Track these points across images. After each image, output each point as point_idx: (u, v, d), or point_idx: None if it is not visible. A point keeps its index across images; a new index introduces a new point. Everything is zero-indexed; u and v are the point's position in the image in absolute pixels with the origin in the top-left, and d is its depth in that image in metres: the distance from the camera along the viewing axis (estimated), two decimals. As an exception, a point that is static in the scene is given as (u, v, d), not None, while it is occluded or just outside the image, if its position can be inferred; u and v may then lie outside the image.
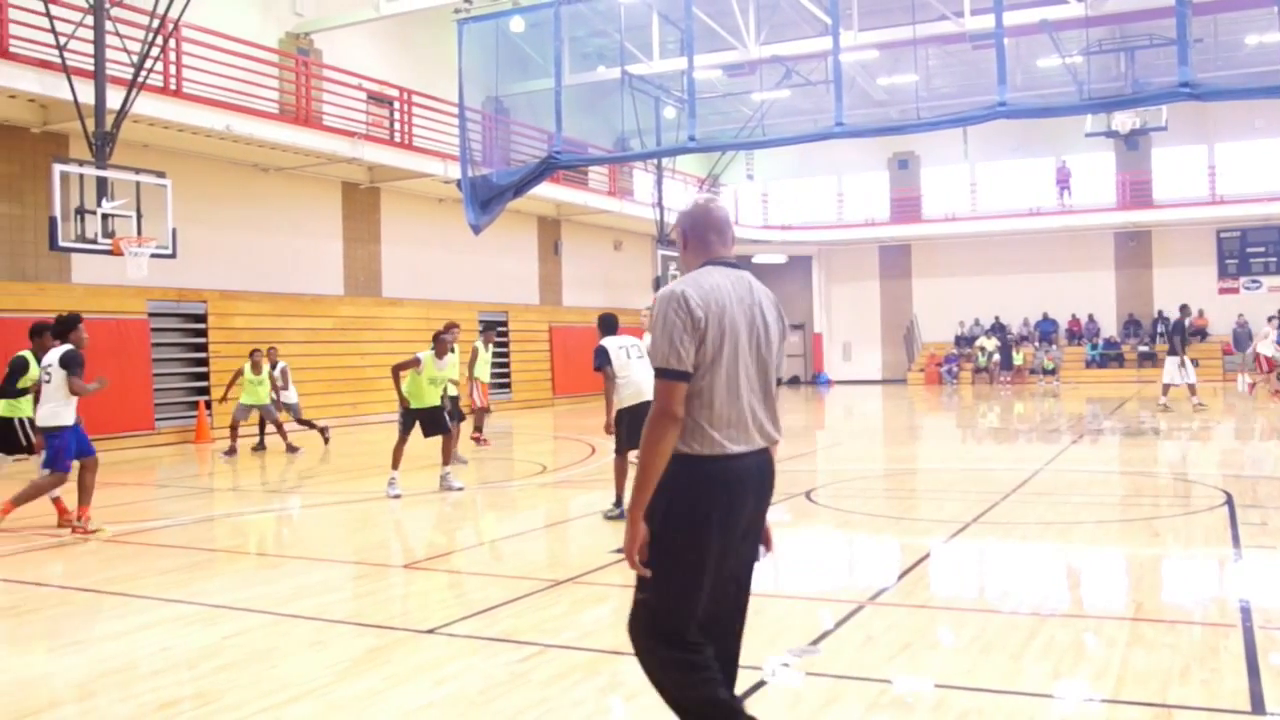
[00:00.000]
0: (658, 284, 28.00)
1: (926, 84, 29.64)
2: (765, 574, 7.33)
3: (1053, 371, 32.58)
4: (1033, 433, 17.35)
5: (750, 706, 4.23)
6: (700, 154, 29.14)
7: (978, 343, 34.08)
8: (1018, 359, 33.13)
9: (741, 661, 4.77)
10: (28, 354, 9.26)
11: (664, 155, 26.34)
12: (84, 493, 8.75)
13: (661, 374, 3.16)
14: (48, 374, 8.67)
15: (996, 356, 33.26)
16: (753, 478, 3.28)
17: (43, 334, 9.11)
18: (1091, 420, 19.11)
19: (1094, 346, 33.14)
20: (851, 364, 37.66)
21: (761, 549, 3.46)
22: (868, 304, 37.23)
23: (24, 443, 9.32)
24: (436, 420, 10.86)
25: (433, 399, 10.82)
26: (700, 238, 3.42)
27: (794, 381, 38.33)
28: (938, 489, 11.25)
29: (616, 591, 6.36)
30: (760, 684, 4.49)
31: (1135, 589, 6.42)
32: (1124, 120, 26.48)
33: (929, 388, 32.97)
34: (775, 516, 9.11)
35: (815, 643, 5.09)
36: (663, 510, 3.16)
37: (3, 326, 14.98)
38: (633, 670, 4.73)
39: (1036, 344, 33.85)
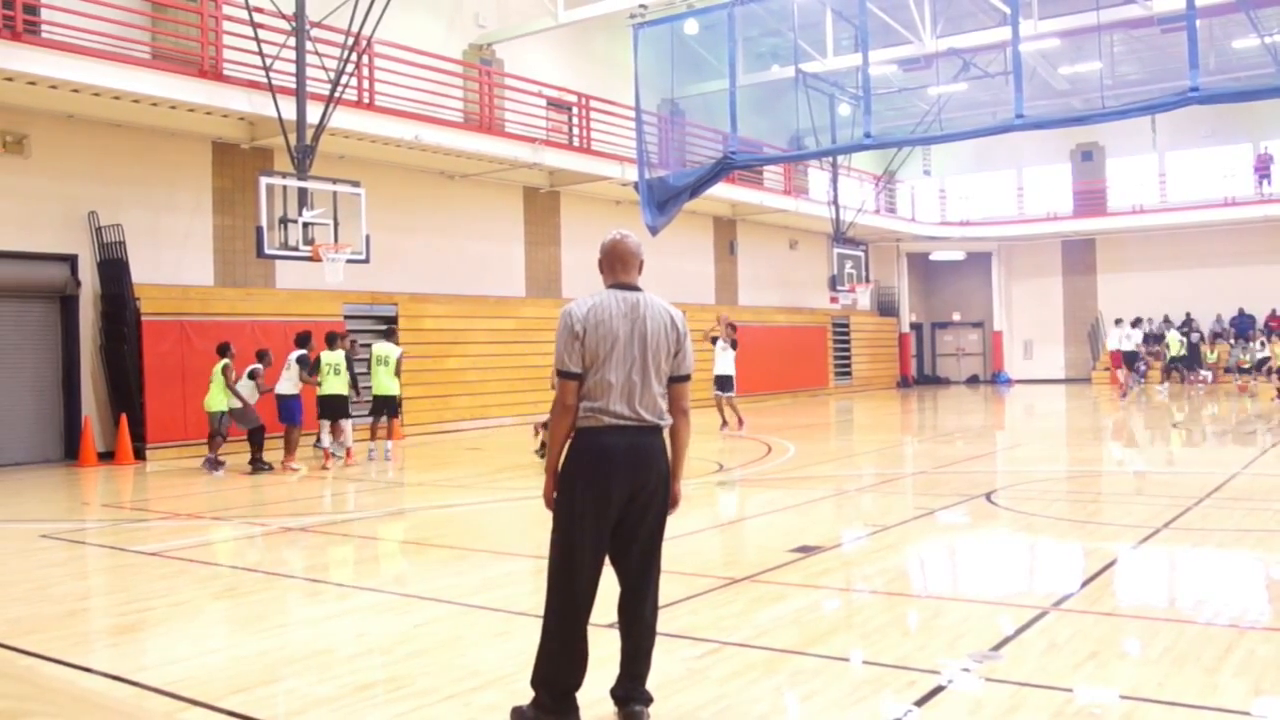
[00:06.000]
0: (833, 283, 27.71)
1: (1111, 71, 28.26)
2: (944, 577, 7.30)
3: (1250, 371, 30.43)
4: (1227, 435, 16.37)
5: (929, 711, 4.26)
6: (876, 151, 28.63)
7: (1166, 339, 32.24)
8: (1211, 357, 31.16)
9: (920, 665, 4.76)
10: (323, 353, 14.17)
11: (839, 153, 26.09)
12: (289, 446, 13.91)
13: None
14: (290, 364, 14.13)
15: (1186, 354, 31.38)
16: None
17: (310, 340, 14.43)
18: (1297, 423, 17.86)
19: (1299, 344, 30.79)
20: (1033, 362, 36.38)
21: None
22: (1050, 300, 35.88)
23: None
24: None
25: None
26: (608, 267, 4.27)
27: (973, 380, 37.28)
28: (1124, 493, 10.82)
29: (794, 590, 6.42)
30: (939, 688, 4.48)
31: (1346, 605, 6.05)
32: (1336, 101, 24.52)
33: (1114, 387, 31.39)
34: (954, 519, 8.99)
35: (997, 648, 5.04)
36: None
37: (217, 329, 16.10)
38: (813, 670, 4.81)
39: (1232, 341, 31.75)
